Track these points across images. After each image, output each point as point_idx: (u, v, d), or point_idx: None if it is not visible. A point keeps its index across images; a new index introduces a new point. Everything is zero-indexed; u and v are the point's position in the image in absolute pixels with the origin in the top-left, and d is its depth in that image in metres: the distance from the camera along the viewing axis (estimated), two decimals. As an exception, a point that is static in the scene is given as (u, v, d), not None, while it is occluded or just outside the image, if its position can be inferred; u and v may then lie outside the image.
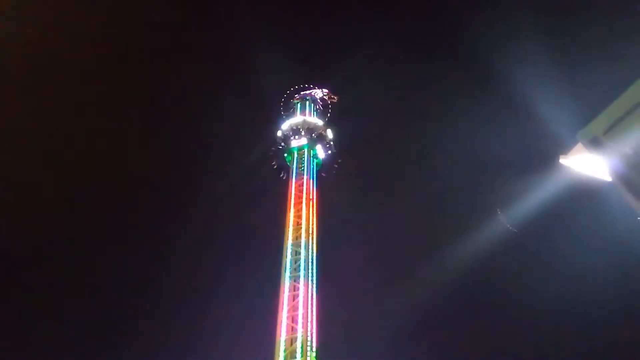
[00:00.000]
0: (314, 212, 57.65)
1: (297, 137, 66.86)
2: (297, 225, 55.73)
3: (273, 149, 67.48)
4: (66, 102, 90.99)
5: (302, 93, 74.07)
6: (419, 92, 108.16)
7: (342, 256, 70.28)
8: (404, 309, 64.91)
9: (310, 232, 55.04)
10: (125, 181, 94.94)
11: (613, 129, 6.68)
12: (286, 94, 74.04)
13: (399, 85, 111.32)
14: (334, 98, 74.16)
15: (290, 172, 63.21)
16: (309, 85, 74.55)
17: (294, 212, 57.08)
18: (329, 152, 67.38)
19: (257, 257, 73.33)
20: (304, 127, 67.65)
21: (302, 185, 60.32)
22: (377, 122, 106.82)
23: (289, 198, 59.67)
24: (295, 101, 71.51)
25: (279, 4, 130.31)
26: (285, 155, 66.43)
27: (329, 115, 72.35)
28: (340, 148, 68.82)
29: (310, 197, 59.03)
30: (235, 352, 56.31)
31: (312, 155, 65.42)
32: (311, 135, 67.02)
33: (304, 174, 61.69)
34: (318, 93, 73.92)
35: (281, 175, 65.56)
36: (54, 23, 76.63)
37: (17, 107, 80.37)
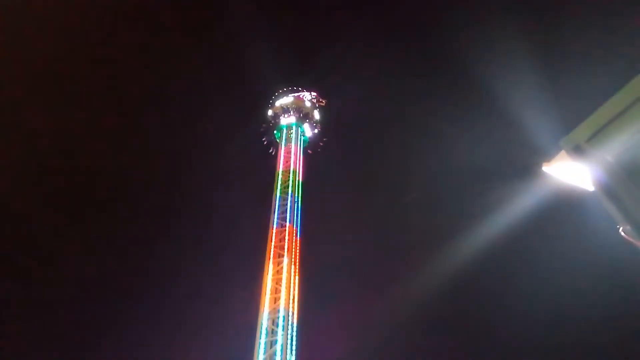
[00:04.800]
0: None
1: (286, 115, 71.86)
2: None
3: (264, 125, 72.65)
4: (62, 101, 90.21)
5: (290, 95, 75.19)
6: (403, 96, 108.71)
7: (323, 254, 70.98)
8: (385, 315, 64.94)
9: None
10: (111, 171, 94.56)
11: (596, 137, 6.64)
12: (275, 95, 74.74)
13: (382, 88, 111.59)
14: (322, 102, 75.72)
15: (280, 146, 68.22)
16: (297, 88, 75.39)
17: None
18: (316, 131, 72.59)
19: (241, 244, 75.04)
20: (292, 107, 72.52)
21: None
22: (360, 123, 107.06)
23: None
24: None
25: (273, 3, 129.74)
26: (275, 132, 71.38)
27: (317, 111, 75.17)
28: (328, 131, 74.29)
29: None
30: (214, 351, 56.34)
31: (299, 132, 70.53)
32: (299, 115, 72.00)
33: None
34: (306, 96, 74.88)
35: (270, 151, 70.44)
36: (52, 23, 75.98)
37: (16, 109, 79.77)
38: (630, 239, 6.37)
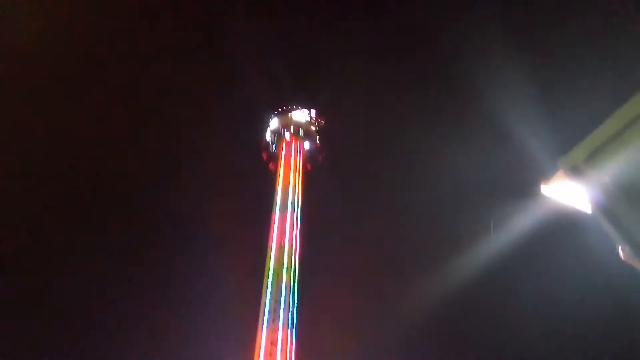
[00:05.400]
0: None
1: (285, 131, 72.31)
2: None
3: (263, 141, 72.93)
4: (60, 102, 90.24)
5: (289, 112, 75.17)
6: (401, 113, 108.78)
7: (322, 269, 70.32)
8: (384, 334, 64.40)
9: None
10: (110, 172, 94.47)
11: (593, 158, 6.67)
12: (274, 112, 74.71)
13: (380, 105, 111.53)
14: (320, 120, 76.42)
15: (279, 162, 68.55)
16: (295, 107, 75.33)
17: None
18: (315, 146, 73.25)
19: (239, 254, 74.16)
20: (292, 123, 73.11)
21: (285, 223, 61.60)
22: (358, 139, 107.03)
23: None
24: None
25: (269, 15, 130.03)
26: (274, 147, 71.77)
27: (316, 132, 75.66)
28: (327, 147, 74.44)
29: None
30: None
31: (299, 147, 71.16)
32: (299, 130, 72.53)
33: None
34: (305, 113, 74.69)
35: (269, 167, 70.75)
36: (50, 24, 76.24)
37: (16, 111, 79.82)
38: (630, 260, 6.37)
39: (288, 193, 62.24)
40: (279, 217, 59.23)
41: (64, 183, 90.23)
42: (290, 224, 58.13)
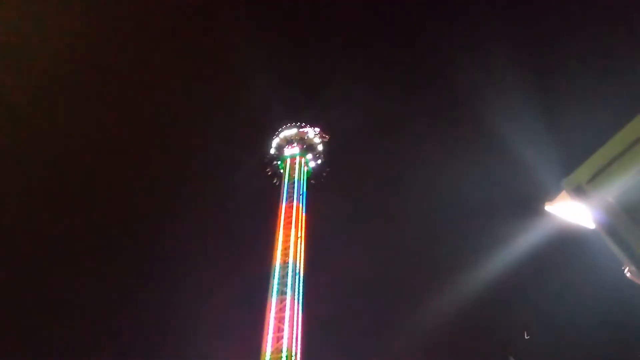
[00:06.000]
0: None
1: (290, 146, 73.09)
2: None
3: (268, 156, 74.04)
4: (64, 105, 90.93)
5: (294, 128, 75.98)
6: (407, 131, 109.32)
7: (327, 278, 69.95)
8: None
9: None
10: (116, 186, 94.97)
11: (596, 178, 6.64)
12: (279, 128, 75.25)
13: (385, 124, 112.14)
14: (325, 137, 76.66)
15: (283, 178, 69.13)
16: (300, 124, 75.94)
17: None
18: (319, 161, 73.56)
19: (245, 268, 74.18)
20: (296, 138, 73.79)
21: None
22: (362, 156, 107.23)
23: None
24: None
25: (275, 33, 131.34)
26: (279, 162, 72.52)
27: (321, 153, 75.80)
28: (329, 161, 74.68)
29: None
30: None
31: (303, 163, 71.66)
32: (303, 145, 73.18)
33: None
34: (310, 130, 75.60)
35: (274, 182, 71.45)
36: (54, 29, 77.04)
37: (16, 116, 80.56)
38: (635, 279, 6.30)
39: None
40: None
41: (74, 194, 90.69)
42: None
